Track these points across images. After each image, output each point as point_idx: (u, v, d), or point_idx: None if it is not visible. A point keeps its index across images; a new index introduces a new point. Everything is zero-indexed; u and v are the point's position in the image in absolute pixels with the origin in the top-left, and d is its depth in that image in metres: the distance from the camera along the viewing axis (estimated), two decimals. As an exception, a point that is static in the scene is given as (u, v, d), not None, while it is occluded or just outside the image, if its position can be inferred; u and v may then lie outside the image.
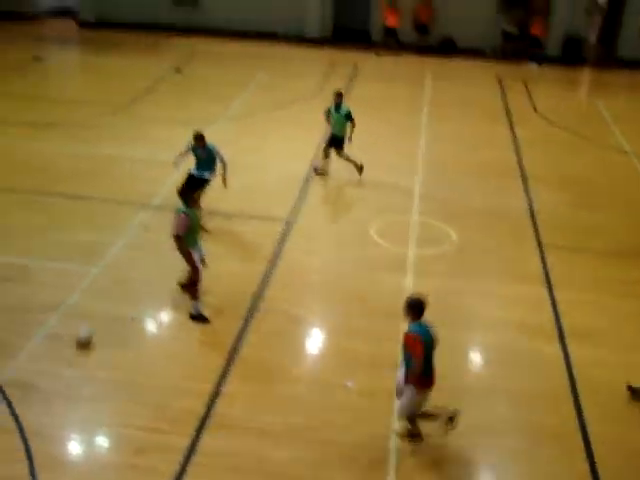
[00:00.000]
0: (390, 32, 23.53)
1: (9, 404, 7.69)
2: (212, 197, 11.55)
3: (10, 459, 7.08)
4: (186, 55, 21.83)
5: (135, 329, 9.17)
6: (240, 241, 11.36)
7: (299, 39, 24.00)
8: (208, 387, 8.10)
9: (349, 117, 13.38)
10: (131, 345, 8.81)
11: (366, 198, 13.06)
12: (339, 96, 13.46)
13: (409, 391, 7.14)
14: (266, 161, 14.36)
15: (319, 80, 20.02)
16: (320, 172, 13.81)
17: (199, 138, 11.31)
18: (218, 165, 11.35)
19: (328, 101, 14.39)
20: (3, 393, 7.83)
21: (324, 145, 13.85)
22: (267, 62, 21.61)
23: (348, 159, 13.65)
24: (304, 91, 18.92)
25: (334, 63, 21.94)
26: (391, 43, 23.49)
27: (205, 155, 11.34)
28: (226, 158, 11.31)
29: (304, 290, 10.27)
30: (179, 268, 10.08)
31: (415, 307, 7.01)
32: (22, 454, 7.10)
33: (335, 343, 9.17)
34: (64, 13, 26.06)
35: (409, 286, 10.04)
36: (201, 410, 7.76)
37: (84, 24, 25.02)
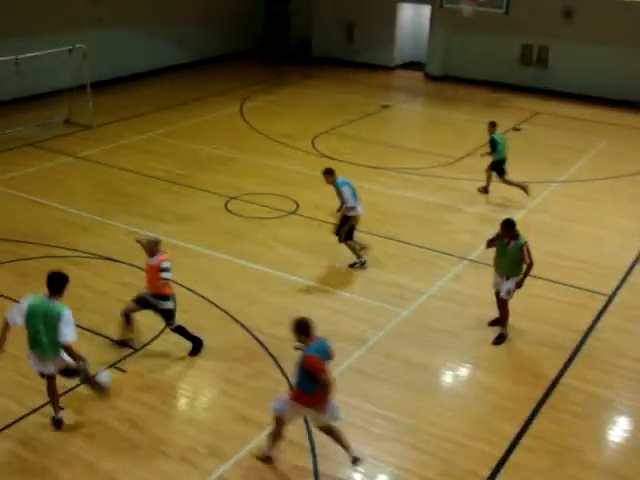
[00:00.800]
0: None
1: (307, 423, 8.19)
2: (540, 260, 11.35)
3: (297, 474, 7.51)
4: (528, 115, 21.77)
5: (432, 378, 9.28)
6: (551, 309, 10.97)
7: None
8: (495, 452, 7.92)
9: None
10: (426, 392, 8.92)
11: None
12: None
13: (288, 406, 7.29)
14: (597, 233, 13.75)
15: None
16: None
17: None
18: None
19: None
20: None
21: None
22: (613, 130, 20.70)
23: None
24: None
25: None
26: None
27: None
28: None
29: (614, 371, 9.60)
30: (483, 323, 10.08)
31: (303, 328, 7.16)
32: (309, 474, 7.51)
33: (641, 437, 8.43)
34: (414, 66, 27.65)
35: None
36: (485, 474, 7.61)
37: (431, 77, 26.29)
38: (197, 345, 9.55)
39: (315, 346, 7.25)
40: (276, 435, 7.60)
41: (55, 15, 20.97)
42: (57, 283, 7.60)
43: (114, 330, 9.82)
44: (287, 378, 8.94)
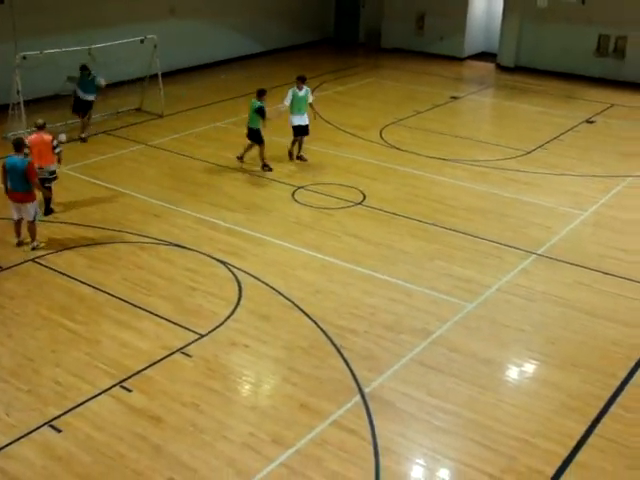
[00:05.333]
0: None
1: (369, 415, 8.19)
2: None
3: (360, 465, 7.54)
4: (602, 107, 21.18)
5: (497, 373, 9.16)
6: (625, 307, 10.68)
7: None
8: (560, 451, 7.77)
9: None
10: (490, 387, 8.81)
11: None
12: None
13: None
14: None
15: None
16: None
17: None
18: None
19: None
20: (366, 403, 8.37)
21: None
22: None
23: None
24: None
25: None
26: None
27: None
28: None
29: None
30: (551, 319, 9.92)
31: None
32: (371, 464, 7.53)
33: None
34: (486, 56, 27.24)
35: None
36: (549, 473, 7.47)
37: (503, 68, 25.83)
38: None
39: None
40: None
41: (128, 6, 21.36)
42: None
43: (181, 316, 10.00)
44: (350, 368, 8.95)
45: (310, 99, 15.85)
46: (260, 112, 15.15)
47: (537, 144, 17.70)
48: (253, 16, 25.64)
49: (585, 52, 24.29)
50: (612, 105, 21.50)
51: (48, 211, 12.98)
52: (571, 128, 19.13)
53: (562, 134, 18.60)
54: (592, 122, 19.81)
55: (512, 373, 9.32)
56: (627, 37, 23.48)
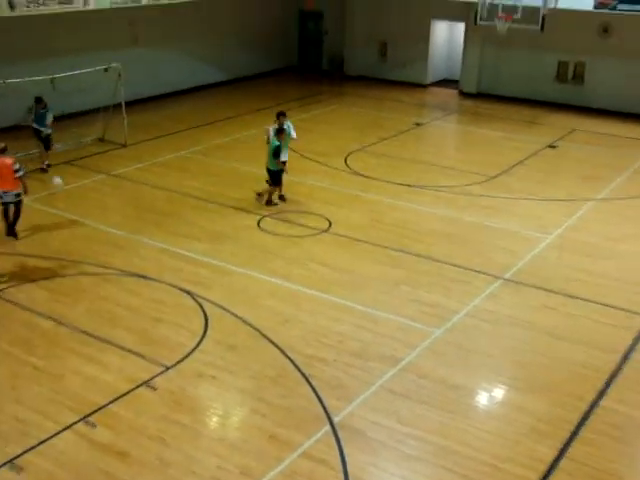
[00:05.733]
0: None
1: (339, 444, 8.09)
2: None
3: (330, 497, 7.40)
4: (564, 132, 21.53)
5: (466, 398, 9.12)
6: (590, 329, 10.75)
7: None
8: (531, 476, 7.72)
9: None
10: (460, 412, 8.77)
11: None
12: None
13: None
14: (637, 251, 13.48)
15: None
16: None
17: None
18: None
19: None
20: (335, 433, 8.27)
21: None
22: None
23: None
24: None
25: None
26: None
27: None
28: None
29: (655, 395, 9.35)
30: (519, 343, 9.95)
31: None
32: (341, 495, 7.40)
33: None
34: (448, 83, 27.63)
35: None
36: (520, 498, 7.42)
37: (465, 94, 26.19)
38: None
39: None
40: None
41: (91, 35, 21.27)
42: None
43: (147, 348, 9.83)
44: (319, 397, 8.86)
45: (293, 134, 15.46)
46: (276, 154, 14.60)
47: (501, 169, 17.90)
48: (217, 45, 25.71)
49: (545, 78, 24.76)
50: (573, 130, 21.88)
51: (11, 233, 12.79)
52: (534, 153, 19.42)
53: (525, 159, 18.85)
54: (554, 147, 20.12)
55: (481, 398, 9.29)
56: (585, 63, 24.00)
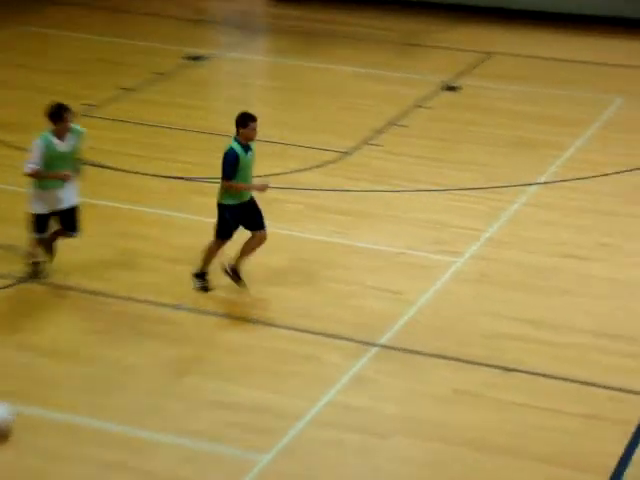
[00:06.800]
0: None
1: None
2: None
3: None
4: (472, 59, 14.77)
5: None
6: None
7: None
8: None
9: None
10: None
11: None
12: None
13: None
14: (617, 278, 8.60)
15: None
16: None
17: None
18: None
19: None
20: None
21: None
22: (629, 78, 14.14)
23: None
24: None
25: None
26: None
27: None
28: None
29: None
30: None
31: None
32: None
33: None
34: None
35: None
36: None
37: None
38: None
39: None
40: None
41: None
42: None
43: None
44: None
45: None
46: None
47: (359, 138, 11.84)
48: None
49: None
50: (489, 54, 15.17)
51: None
52: (419, 102, 13.06)
53: (402, 115, 12.75)
54: (454, 88, 13.68)
55: None
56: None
